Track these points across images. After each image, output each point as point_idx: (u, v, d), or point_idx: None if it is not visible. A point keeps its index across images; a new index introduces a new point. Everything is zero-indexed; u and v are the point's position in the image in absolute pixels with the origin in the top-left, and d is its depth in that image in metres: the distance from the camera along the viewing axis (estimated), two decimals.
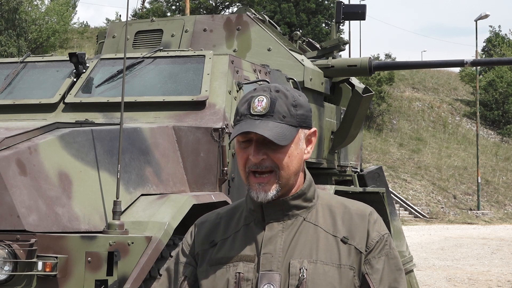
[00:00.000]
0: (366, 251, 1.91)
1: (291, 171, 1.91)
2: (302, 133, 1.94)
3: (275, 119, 1.88)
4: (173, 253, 4.07)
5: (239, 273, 1.90)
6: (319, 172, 6.94)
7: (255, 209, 1.96)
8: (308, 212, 1.96)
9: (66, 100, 5.17)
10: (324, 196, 2.02)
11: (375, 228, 1.94)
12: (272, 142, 1.86)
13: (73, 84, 5.30)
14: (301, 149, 1.93)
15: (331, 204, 1.99)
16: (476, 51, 36.81)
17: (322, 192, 2.04)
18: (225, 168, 4.72)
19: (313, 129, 1.98)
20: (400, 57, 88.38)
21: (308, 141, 1.97)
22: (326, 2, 40.88)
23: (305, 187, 1.97)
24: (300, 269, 1.87)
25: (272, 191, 1.89)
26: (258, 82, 5.24)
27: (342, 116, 7.14)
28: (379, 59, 43.36)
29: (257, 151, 1.88)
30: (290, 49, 6.64)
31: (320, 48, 7.59)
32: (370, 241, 1.92)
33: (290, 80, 6.01)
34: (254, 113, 1.88)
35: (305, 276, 1.86)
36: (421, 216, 31.01)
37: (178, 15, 31.79)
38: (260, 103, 1.89)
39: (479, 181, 33.29)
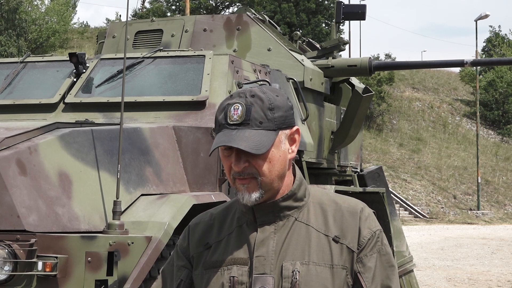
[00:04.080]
0: (358, 249, 1.92)
1: (274, 175, 1.90)
2: (283, 134, 1.92)
3: (252, 127, 1.87)
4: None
5: (233, 277, 1.91)
6: (319, 172, 6.94)
7: (246, 211, 1.96)
8: (299, 212, 1.96)
9: (66, 100, 5.17)
10: (315, 193, 2.01)
11: (366, 225, 1.94)
12: None
13: (73, 84, 5.29)
14: (284, 151, 1.92)
15: (323, 201, 1.99)
16: (476, 51, 36.83)
17: (313, 189, 2.04)
18: None
19: (295, 128, 1.96)
20: (400, 57, 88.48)
21: (291, 140, 1.95)
22: (326, 2, 40.87)
23: (295, 187, 1.96)
24: (292, 272, 1.87)
25: (255, 194, 1.89)
26: (258, 82, 5.23)
27: (342, 116, 7.14)
28: (379, 59, 43.36)
29: (238, 160, 1.89)
30: (290, 49, 6.63)
31: (320, 48, 7.59)
32: (361, 239, 1.92)
33: (290, 80, 6.01)
34: (231, 122, 1.88)
35: (297, 279, 1.87)
36: (421, 216, 31.01)
37: (178, 15, 31.81)
38: (236, 112, 1.88)
39: (479, 181, 33.29)
